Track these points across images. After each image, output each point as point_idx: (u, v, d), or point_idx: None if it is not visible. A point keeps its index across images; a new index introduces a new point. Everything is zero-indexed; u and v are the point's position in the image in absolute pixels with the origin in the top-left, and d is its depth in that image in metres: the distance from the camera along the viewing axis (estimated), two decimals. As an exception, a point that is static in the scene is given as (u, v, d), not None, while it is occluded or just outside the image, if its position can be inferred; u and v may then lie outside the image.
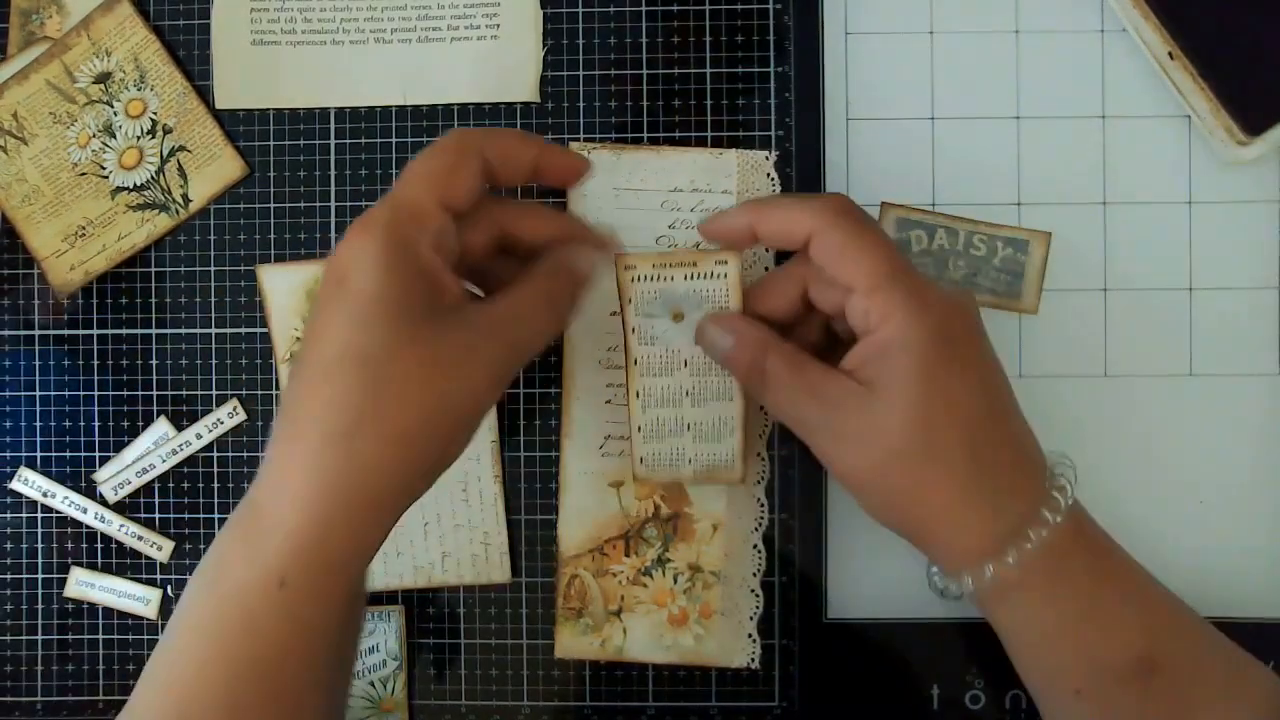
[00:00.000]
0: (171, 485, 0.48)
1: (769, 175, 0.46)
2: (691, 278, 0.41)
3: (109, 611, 0.48)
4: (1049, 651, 0.39)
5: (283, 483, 0.34)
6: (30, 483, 0.48)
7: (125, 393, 0.48)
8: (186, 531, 0.48)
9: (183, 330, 0.48)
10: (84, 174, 0.48)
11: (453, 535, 0.47)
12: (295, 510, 0.33)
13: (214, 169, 0.48)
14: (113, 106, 0.48)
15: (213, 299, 0.48)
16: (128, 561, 0.48)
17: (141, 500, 0.48)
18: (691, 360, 0.42)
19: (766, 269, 0.46)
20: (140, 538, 0.48)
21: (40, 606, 0.48)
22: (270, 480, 0.35)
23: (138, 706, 0.35)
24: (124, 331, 0.48)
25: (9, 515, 0.49)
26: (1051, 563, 0.37)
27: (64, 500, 0.48)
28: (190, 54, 0.48)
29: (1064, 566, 0.37)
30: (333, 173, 0.48)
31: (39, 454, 0.48)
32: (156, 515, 0.48)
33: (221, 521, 0.48)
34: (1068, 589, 0.37)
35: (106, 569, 0.48)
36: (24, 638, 0.48)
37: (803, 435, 0.40)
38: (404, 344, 0.34)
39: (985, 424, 0.37)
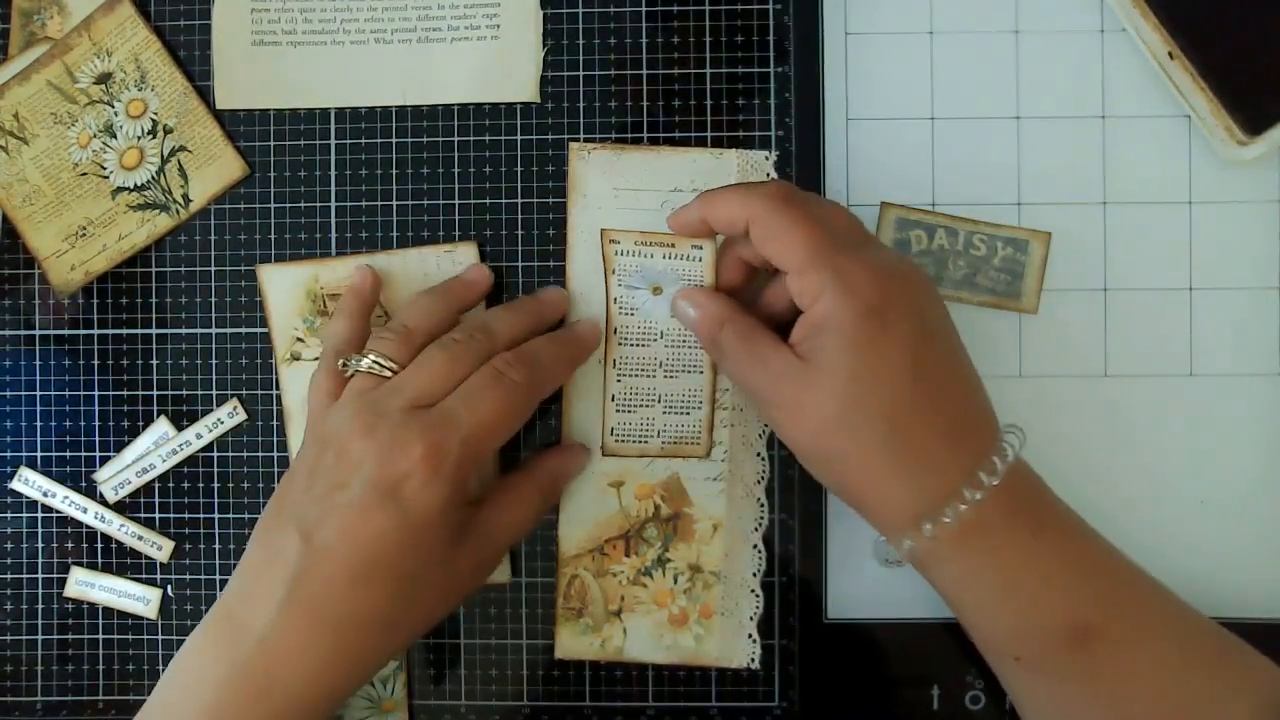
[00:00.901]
0: (171, 485, 0.48)
1: (768, 175, 0.46)
2: (670, 257, 0.44)
3: (109, 611, 0.48)
4: (984, 620, 0.40)
5: (305, 660, 0.39)
6: (30, 482, 0.48)
7: (125, 393, 0.48)
8: (186, 531, 0.48)
9: (183, 330, 0.48)
10: (85, 174, 0.48)
11: (453, 535, 0.47)
12: (318, 685, 0.39)
13: (214, 169, 0.48)
14: (113, 107, 0.48)
15: (213, 299, 0.48)
16: (128, 561, 0.48)
17: (141, 500, 0.48)
18: (667, 333, 0.45)
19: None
20: (140, 537, 0.48)
21: (40, 606, 0.48)
22: (284, 649, 0.39)
23: None
24: (124, 331, 0.48)
25: (9, 515, 0.49)
26: (975, 536, 0.38)
27: (64, 500, 0.48)
28: (191, 54, 0.48)
29: (989, 540, 0.38)
30: (333, 173, 0.48)
31: (39, 454, 0.49)
32: (156, 515, 0.48)
33: (222, 522, 0.48)
34: (992, 562, 0.38)
35: (106, 569, 0.48)
36: (24, 638, 0.48)
37: (754, 405, 0.44)
38: (436, 566, 0.40)
39: (909, 399, 0.38)
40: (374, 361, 0.42)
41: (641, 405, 0.45)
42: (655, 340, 0.45)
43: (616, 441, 0.46)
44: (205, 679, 0.39)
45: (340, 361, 0.43)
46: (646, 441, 0.46)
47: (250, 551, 0.41)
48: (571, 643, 0.47)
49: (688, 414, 0.45)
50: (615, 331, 0.45)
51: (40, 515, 0.49)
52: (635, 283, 0.45)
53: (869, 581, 0.47)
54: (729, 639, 0.46)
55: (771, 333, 0.41)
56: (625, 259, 0.44)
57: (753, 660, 0.46)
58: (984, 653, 0.41)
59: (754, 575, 0.46)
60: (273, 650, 0.38)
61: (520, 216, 0.47)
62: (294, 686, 0.39)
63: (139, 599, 0.48)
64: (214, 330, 0.48)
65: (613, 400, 0.45)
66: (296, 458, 0.42)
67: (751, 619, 0.46)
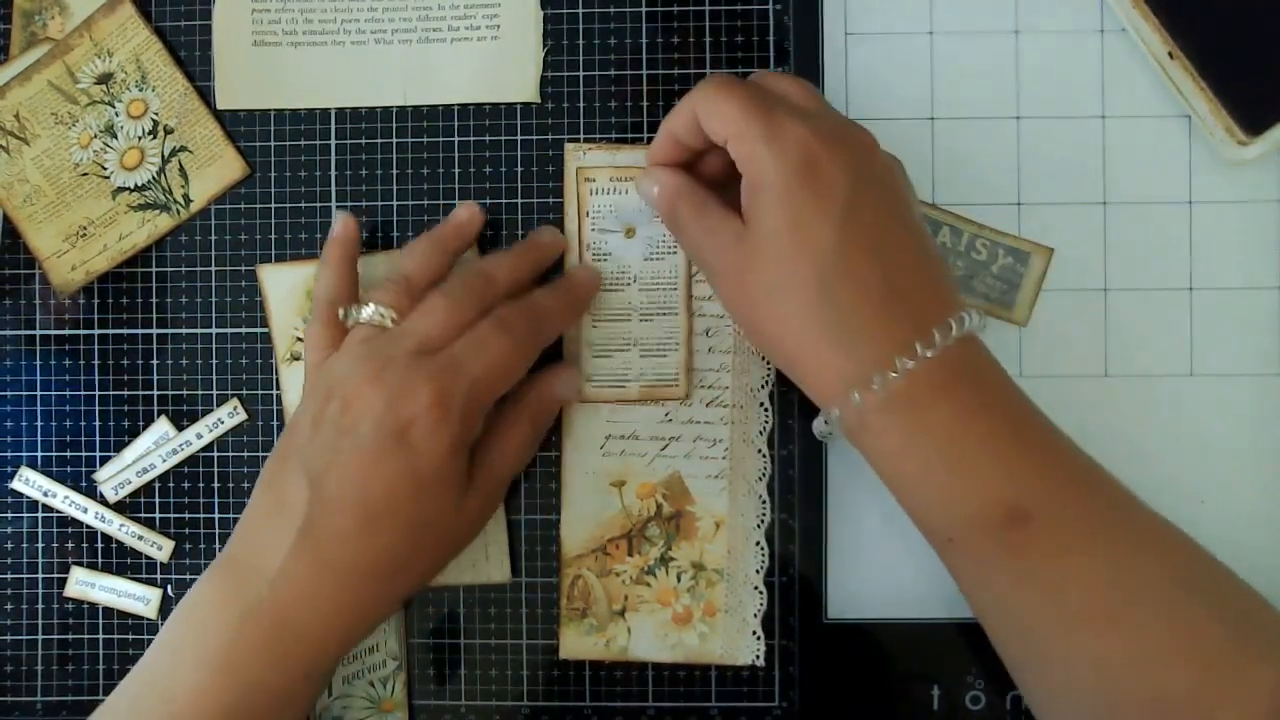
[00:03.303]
0: (172, 485, 0.48)
1: (769, 175, 0.46)
2: None
3: (109, 611, 0.48)
4: (915, 497, 0.39)
5: (315, 604, 0.39)
6: (31, 482, 0.48)
7: (126, 393, 0.48)
8: (187, 531, 0.48)
9: (183, 330, 0.48)
10: (85, 174, 0.48)
11: (453, 535, 0.47)
12: (327, 628, 0.40)
13: (215, 169, 0.48)
14: (114, 107, 0.48)
15: (213, 299, 0.48)
16: (128, 561, 0.48)
17: (142, 500, 0.48)
18: (640, 276, 0.46)
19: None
20: (140, 537, 0.48)
21: (40, 606, 0.48)
22: (294, 593, 0.39)
23: None
24: (124, 331, 0.48)
25: (9, 515, 0.49)
26: (906, 408, 0.37)
27: (64, 500, 0.48)
28: (191, 55, 0.48)
29: (920, 414, 0.37)
30: (333, 173, 0.48)
31: (39, 454, 0.48)
32: (157, 515, 0.48)
33: (222, 522, 0.48)
34: (926, 437, 0.37)
35: (107, 569, 0.48)
36: (24, 638, 0.48)
37: (707, 279, 0.43)
38: (443, 514, 0.41)
39: (838, 260, 0.37)
40: (375, 310, 0.42)
41: (618, 349, 0.46)
42: (629, 285, 0.46)
43: (594, 387, 0.46)
44: (214, 622, 0.39)
45: (341, 312, 0.43)
46: (624, 386, 0.46)
47: (256, 500, 0.41)
48: (576, 643, 0.47)
49: (664, 356, 0.46)
50: None
51: (40, 515, 0.48)
52: (608, 225, 0.46)
53: (869, 581, 0.47)
54: (733, 637, 0.46)
55: (724, 204, 0.41)
56: (599, 198, 0.46)
57: (758, 658, 0.46)
58: (921, 532, 0.40)
59: (757, 572, 0.46)
60: (283, 595, 0.39)
61: (520, 216, 0.47)
62: (304, 630, 0.39)
63: (139, 599, 0.48)
64: (214, 330, 0.48)
65: (589, 346, 0.46)
66: (298, 409, 0.42)
67: (755, 616, 0.46)
